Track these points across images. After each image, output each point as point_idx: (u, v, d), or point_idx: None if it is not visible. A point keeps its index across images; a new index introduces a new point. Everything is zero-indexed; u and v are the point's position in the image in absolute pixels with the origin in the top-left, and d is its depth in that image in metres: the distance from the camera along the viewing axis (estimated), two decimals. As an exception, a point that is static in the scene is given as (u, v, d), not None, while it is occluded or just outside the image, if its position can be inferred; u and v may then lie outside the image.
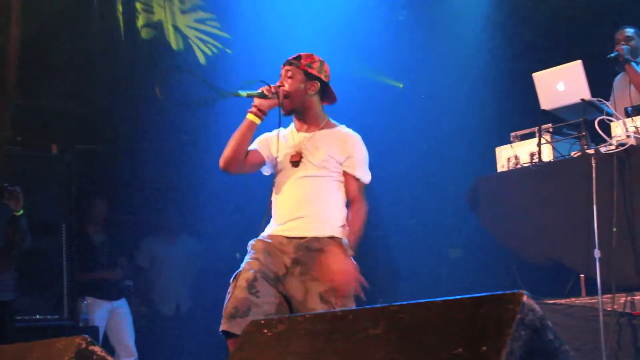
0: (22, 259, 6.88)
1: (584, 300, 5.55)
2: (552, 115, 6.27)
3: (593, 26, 7.93)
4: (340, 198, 4.34)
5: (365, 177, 4.40)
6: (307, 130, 4.42)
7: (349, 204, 4.35)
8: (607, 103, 6.05)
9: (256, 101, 4.31)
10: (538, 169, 6.09)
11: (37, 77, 7.95)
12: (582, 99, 5.96)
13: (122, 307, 7.78)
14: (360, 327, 2.10)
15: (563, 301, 5.61)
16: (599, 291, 5.27)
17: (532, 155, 6.21)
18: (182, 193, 8.65)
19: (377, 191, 9.02)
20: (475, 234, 7.35)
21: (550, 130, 6.22)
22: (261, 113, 4.31)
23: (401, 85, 9.81)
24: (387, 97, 9.55)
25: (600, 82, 6.44)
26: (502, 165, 6.43)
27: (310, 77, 4.38)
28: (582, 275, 5.74)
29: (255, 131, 4.36)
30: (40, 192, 7.40)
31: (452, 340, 1.90)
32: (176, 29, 8.88)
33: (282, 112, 4.34)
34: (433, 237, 8.88)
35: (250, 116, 4.31)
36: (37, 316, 7.22)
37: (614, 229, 5.37)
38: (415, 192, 9.14)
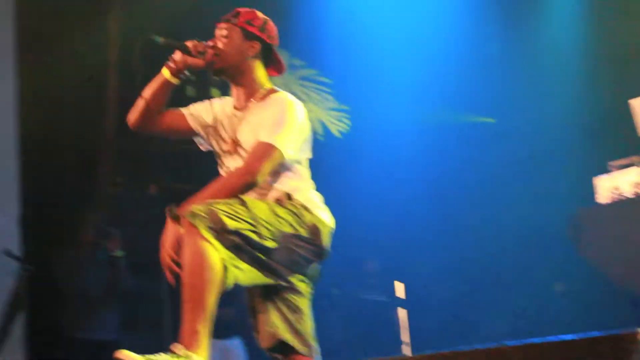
0: (124, 298, 7.01)
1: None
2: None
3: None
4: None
5: (269, 137, 3.43)
6: (242, 106, 3.65)
7: None
8: None
9: (176, 55, 3.59)
10: (642, 199, 5.92)
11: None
12: (684, 126, 5.79)
13: (234, 345, 7.58)
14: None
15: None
16: None
17: (636, 185, 6.04)
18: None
19: (475, 227, 8.97)
20: (580, 266, 7.20)
21: (652, 158, 6.05)
22: (177, 71, 3.58)
23: (493, 121, 9.70)
24: (477, 133, 9.48)
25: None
26: (602, 196, 6.28)
27: (249, 36, 3.64)
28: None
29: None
30: (140, 232, 7.53)
31: (569, 382, 1.85)
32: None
33: (211, 74, 3.65)
34: (536, 271, 8.73)
35: (164, 71, 3.61)
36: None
37: None
38: (513, 225, 9.00)
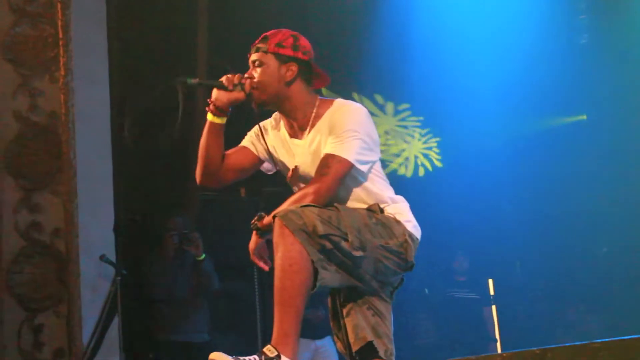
0: (216, 301, 7.12)
1: None
2: None
3: None
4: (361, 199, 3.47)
5: (335, 149, 3.35)
6: (298, 134, 3.52)
7: None
8: None
9: (213, 94, 3.46)
10: None
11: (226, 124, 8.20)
12: None
13: (325, 345, 7.62)
14: (561, 367, 2.04)
15: None
16: None
17: None
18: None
19: (569, 221, 8.84)
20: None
21: None
22: (219, 111, 3.46)
23: (585, 117, 9.50)
24: (569, 132, 9.34)
25: None
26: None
27: (283, 59, 3.47)
28: None
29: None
30: (230, 235, 7.62)
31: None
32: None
33: (253, 107, 3.52)
34: (627, 265, 8.57)
35: (208, 115, 3.49)
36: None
37: None
38: (604, 221, 8.85)
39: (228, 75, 3.46)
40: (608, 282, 8.65)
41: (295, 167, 3.51)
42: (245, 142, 3.66)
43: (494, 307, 7.96)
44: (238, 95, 3.45)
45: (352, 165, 3.36)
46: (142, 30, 7.67)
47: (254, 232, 3.47)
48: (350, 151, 3.35)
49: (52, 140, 6.32)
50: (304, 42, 3.51)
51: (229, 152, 3.61)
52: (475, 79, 8.76)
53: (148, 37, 7.71)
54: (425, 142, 9.46)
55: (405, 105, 9.37)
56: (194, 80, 3.46)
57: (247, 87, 3.44)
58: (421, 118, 9.44)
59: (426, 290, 8.29)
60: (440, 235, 7.65)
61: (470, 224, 8.61)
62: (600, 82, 9.01)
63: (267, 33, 3.50)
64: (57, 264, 6.21)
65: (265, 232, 3.44)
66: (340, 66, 8.07)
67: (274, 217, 3.25)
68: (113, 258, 6.28)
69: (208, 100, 3.49)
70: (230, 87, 3.43)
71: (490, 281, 8.11)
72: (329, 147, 3.37)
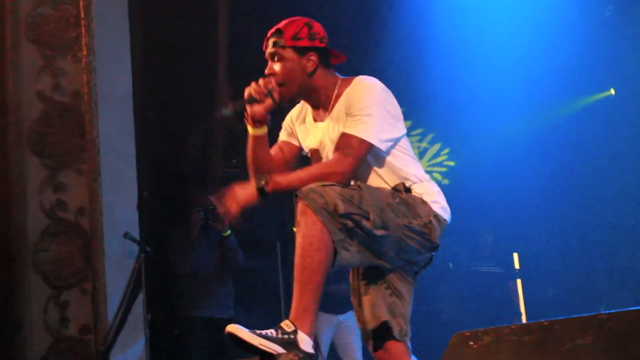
0: (240, 276, 7.16)
1: None
2: None
3: None
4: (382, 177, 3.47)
5: (353, 128, 3.35)
6: (322, 116, 3.54)
7: None
8: None
9: (248, 109, 3.45)
10: None
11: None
12: None
13: (348, 320, 7.66)
14: (568, 338, 2.05)
15: None
16: None
17: None
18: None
19: (595, 194, 8.80)
20: None
21: None
22: (259, 123, 3.46)
23: (613, 92, 9.36)
24: (597, 108, 9.25)
25: None
26: None
27: (302, 51, 3.46)
28: None
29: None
30: (254, 212, 7.64)
31: (665, 349, 1.81)
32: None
33: (283, 103, 3.53)
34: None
35: (249, 129, 3.49)
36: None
37: None
38: (631, 193, 8.79)
39: (254, 87, 3.44)
40: (635, 255, 8.61)
41: (316, 149, 3.53)
42: (282, 135, 3.69)
43: (519, 281, 7.94)
44: (270, 103, 3.43)
45: (371, 145, 3.36)
46: (163, 9, 7.68)
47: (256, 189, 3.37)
48: (369, 131, 3.34)
49: (75, 120, 6.39)
50: (318, 28, 3.50)
51: (273, 151, 3.62)
52: (497, 56, 8.69)
53: (169, 16, 7.72)
54: (430, 159, 9.37)
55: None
56: (230, 110, 3.49)
57: (276, 95, 3.43)
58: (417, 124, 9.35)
59: (450, 265, 8.29)
60: (465, 209, 7.64)
61: (496, 198, 8.59)
62: (626, 54, 8.90)
63: (280, 25, 3.48)
64: (82, 241, 6.29)
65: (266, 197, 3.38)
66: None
67: (296, 196, 3.25)
68: (137, 235, 6.33)
69: (245, 114, 3.48)
70: (262, 98, 3.42)
71: (516, 255, 8.09)
72: (347, 127, 3.36)
